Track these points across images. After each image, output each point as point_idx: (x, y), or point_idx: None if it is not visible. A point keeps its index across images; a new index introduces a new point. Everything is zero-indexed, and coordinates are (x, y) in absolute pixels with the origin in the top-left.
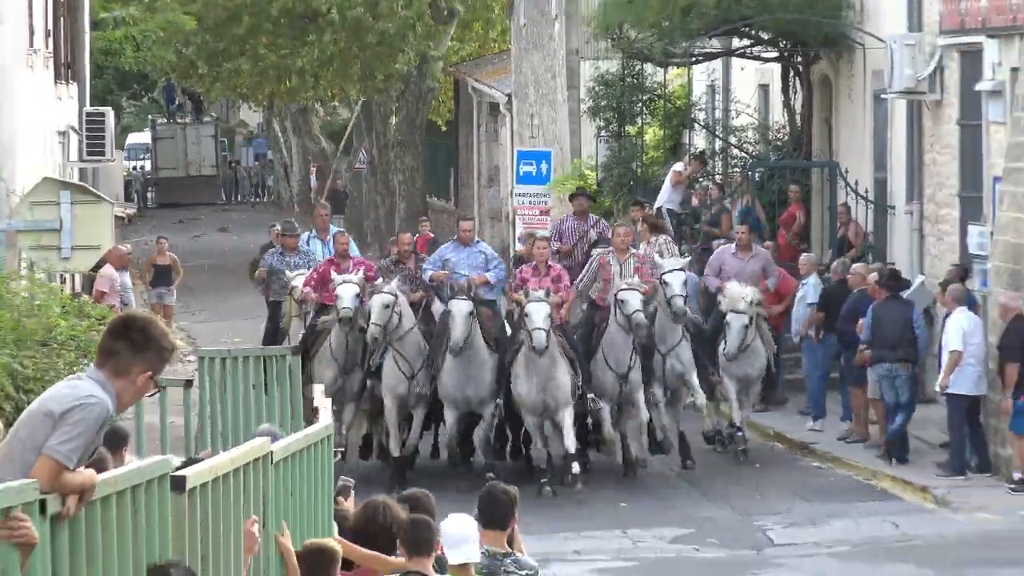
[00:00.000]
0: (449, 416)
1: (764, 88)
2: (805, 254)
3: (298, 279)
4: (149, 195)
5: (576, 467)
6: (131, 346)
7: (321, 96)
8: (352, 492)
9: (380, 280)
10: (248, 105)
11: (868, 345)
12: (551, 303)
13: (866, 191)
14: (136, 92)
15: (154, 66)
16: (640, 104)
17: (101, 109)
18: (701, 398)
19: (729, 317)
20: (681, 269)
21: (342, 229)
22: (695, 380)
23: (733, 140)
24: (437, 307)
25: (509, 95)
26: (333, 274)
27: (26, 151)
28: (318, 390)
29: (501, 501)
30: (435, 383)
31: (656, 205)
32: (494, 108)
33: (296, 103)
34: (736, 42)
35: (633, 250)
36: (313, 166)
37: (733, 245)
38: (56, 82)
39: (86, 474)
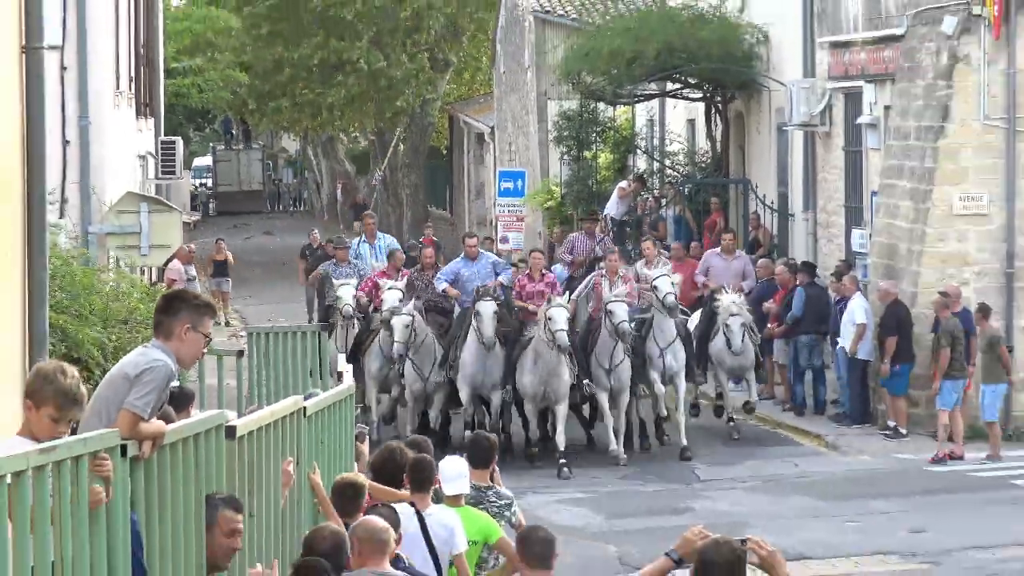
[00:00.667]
0: (464, 394)
1: (691, 122)
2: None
3: (342, 289)
4: (210, 206)
5: (564, 469)
6: (168, 313)
7: (345, 128)
8: (367, 437)
9: (402, 299)
10: (288, 135)
11: (796, 321)
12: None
13: (772, 202)
14: (200, 125)
15: (214, 105)
16: (594, 134)
17: (172, 138)
18: (681, 399)
19: (730, 320)
20: (666, 274)
21: (399, 248)
22: (683, 382)
23: (667, 162)
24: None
25: (492, 127)
26: (380, 281)
27: (113, 171)
28: (341, 359)
29: (484, 446)
30: (451, 372)
31: (604, 213)
32: (480, 137)
33: (325, 133)
34: (669, 85)
35: (622, 272)
36: (339, 183)
37: (719, 248)
38: (137, 117)
39: (157, 425)
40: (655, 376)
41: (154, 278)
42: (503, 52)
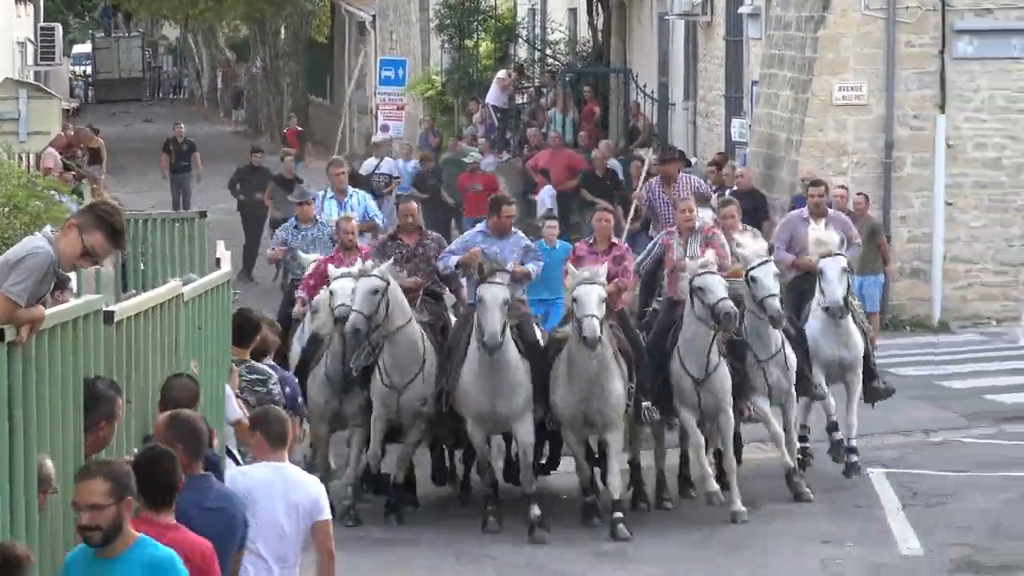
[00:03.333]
0: (476, 435)
1: (573, 11)
2: (604, 141)
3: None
4: (90, 93)
5: (621, 527)
6: (80, 212)
7: (223, 17)
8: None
9: (370, 262)
10: (168, 22)
11: None
12: (606, 286)
13: (652, 92)
14: (80, 12)
15: None
16: (476, 23)
17: (52, 25)
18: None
19: (821, 264)
20: (769, 260)
21: (348, 215)
22: (793, 399)
23: (549, 52)
24: (449, 299)
25: (374, 16)
26: (330, 268)
27: None
28: (220, 245)
29: (252, 323)
30: (448, 400)
31: (486, 101)
32: (362, 26)
33: (205, 22)
34: None
35: (698, 223)
36: (219, 71)
37: (804, 210)
38: (16, 3)
39: (36, 310)
40: (760, 399)
41: (32, 165)
42: None
